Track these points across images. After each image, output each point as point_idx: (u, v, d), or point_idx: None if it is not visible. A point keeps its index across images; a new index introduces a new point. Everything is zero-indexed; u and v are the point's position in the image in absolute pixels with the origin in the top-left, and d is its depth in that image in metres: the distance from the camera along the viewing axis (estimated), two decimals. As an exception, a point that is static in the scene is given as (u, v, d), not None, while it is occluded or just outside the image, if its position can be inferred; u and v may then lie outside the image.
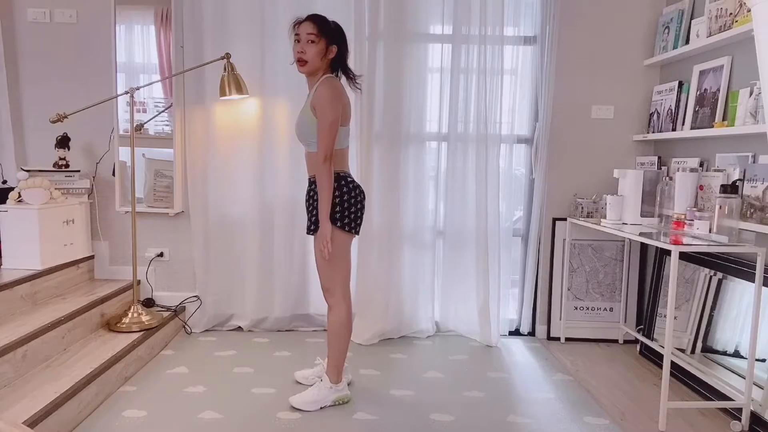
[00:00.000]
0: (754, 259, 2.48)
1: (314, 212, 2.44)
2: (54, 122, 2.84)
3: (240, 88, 3.06)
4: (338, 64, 2.47)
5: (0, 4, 3.33)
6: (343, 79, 2.51)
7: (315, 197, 2.43)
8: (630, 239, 3.42)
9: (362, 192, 2.48)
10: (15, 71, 3.39)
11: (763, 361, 2.38)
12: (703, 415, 2.54)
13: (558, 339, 3.50)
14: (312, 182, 2.47)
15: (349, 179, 2.44)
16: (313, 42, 2.35)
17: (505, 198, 3.44)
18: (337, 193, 2.38)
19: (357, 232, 2.48)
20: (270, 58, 3.30)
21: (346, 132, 2.45)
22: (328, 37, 2.38)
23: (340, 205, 2.39)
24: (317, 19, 2.38)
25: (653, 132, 3.33)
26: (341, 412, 2.45)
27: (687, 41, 3.05)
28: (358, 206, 2.44)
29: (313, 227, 2.45)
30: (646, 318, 3.29)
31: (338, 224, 2.39)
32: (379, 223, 3.37)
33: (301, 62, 2.38)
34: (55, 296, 3.03)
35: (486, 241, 3.33)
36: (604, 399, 2.69)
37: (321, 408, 2.49)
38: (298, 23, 2.40)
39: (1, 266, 2.96)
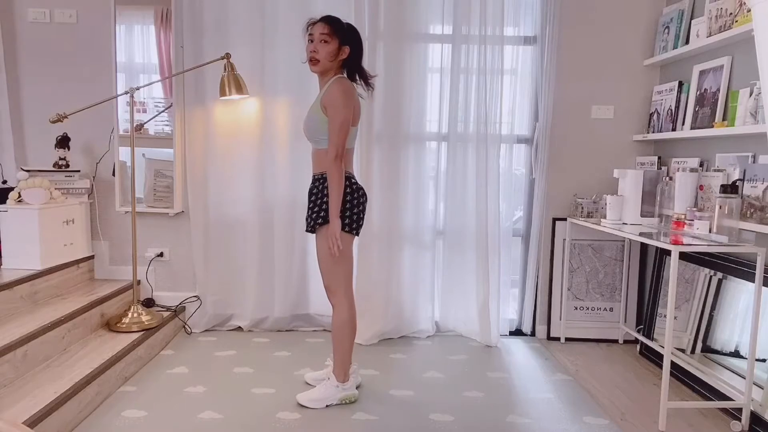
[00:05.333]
0: (754, 259, 2.48)
1: (316, 209, 2.44)
2: (54, 122, 2.84)
3: (240, 88, 3.06)
4: (351, 65, 2.49)
5: (0, 4, 3.33)
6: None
7: (319, 194, 2.45)
8: (630, 239, 3.42)
9: (364, 194, 2.50)
10: (15, 71, 3.39)
11: (763, 361, 2.38)
12: (703, 415, 2.54)
13: (558, 339, 3.50)
14: (316, 179, 2.49)
15: (353, 180, 2.46)
16: (326, 42, 2.39)
17: (505, 198, 3.44)
18: (347, 190, 2.42)
19: (357, 234, 2.50)
20: (270, 58, 3.30)
21: (354, 132, 2.48)
22: (340, 38, 2.41)
23: (342, 205, 2.40)
24: (331, 20, 2.42)
25: (653, 132, 3.33)
26: (341, 413, 2.45)
27: (687, 41, 3.05)
28: (360, 208, 2.46)
29: (312, 223, 2.46)
30: (646, 318, 3.29)
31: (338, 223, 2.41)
32: (379, 223, 3.37)
33: (313, 61, 2.42)
34: (55, 296, 3.03)
35: (486, 241, 3.33)
36: (604, 399, 2.69)
37: (327, 406, 2.51)
38: (312, 23, 2.44)
39: (1, 266, 2.96)
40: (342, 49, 2.42)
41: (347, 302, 2.50)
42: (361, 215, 2.48)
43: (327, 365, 2.77)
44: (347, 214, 2.42)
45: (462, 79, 3.31)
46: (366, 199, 2.51)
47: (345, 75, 2.49)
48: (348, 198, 2.42)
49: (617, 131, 3.47)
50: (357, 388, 2.66)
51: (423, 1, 3.28)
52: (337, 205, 2.36)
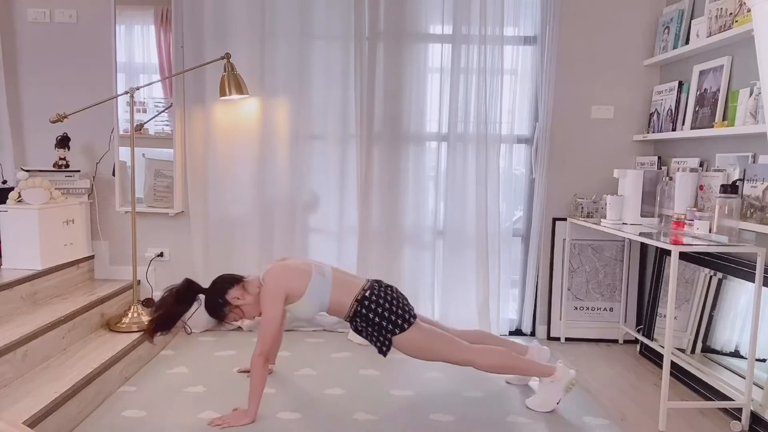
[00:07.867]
0: (754, 259, 2.48)
1: (376, 334, 2.45)
2: (54, 122, 2.84)
3: (240, 88, 3.06)
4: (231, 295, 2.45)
5: (0, 4, 3.33)
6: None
7: (368, 321, 2.44)
8: (630, 239, 3.42)
9: (389, 289, 2.51)
10: (15, 71, 3.39)
11: (763, 361, 2.38)
12: (703, 415, 2.54)
13: (558, 339, 3.50)
14: (351, 313, 2.47)
15: (376, 290, 2.46)
16: (234, 319, 2.48)
17: (505, 198, 3.44)
18: (373, 307, 2.43)
19: (412, 322, 2.46)
20: (270, 58, 3.30)
21: (312, 299, 2.45)
22: (223, 303, 2.43)
23: (381, 316, 2.42)
24: (208, 311, 2.46)
25: (653, 132, 3.33)
26: (341, 413, 2.45)
27: (687, 41, 3.05)
28: (395, 303, 2.46)
29: (384, 349, 2.47)
30: (646, 318, 3.29)
31: (398, 330, 2.42)
32: (379, 223, 3.37)
33: (253, 318, 2.51)
34: (55, 296, 3.03)
35: (486, 241, 3.33)
36: (604, 399, 2.69)
37: (556, 405, 2.51)
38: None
39: (1, 266, 2.96)
40: (234, 298, 2.43)
41: (471, 353, 2.45)
42: (402, 302, 2.47)
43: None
44: (392, 317, 2.42)
45: (462, 79, 3.31)
46: (393, 289, 2.51)
47: (251, 291, 2.46)
48: (383, 305, 2.43)
49: (617, 131, 3.46)
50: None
51: (423, 1, 3.28)
52: (256, 400, 2.32)
